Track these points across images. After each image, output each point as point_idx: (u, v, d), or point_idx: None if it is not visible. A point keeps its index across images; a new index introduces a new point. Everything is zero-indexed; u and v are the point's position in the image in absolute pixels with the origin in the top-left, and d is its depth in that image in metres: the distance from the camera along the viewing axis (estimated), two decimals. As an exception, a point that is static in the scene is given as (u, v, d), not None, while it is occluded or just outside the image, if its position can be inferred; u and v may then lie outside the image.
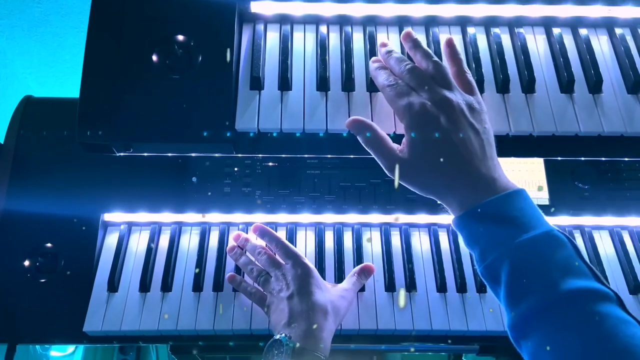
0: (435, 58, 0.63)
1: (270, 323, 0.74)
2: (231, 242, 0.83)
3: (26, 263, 0.80)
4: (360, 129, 0.61)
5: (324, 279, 0.79)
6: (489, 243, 0.54)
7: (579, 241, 0.84)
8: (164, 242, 0.84)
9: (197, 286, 0.79)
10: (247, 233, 0.84)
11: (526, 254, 0.51)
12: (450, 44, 0.66)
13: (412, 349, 0.81)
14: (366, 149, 0.61)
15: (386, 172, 0.59)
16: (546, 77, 0.71)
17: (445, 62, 0.65)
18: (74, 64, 1.38)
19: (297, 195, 0.85)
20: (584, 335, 0.46)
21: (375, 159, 0.60)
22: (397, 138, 0.60)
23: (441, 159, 0.56)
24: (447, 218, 0.85)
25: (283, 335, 0.67)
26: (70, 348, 1.25)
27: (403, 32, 0.68)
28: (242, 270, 0.80)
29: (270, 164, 0.87)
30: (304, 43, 0.73)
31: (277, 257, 0.79)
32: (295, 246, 0.82)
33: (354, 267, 0.80)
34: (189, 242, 0.84)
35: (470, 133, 0.57)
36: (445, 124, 0.57)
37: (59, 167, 0.86)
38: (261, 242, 0.82)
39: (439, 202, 0.59)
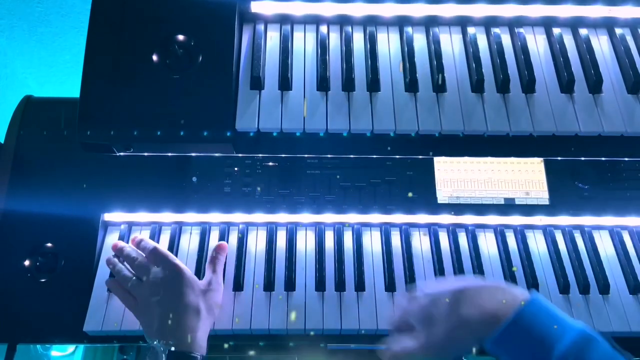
0: None
1: (143, 329, 0.72)
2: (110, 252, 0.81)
3: (26, 263, 0.80)
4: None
5: (324, 279, 0.79)
6: None
7: (579, 241, 0.84)
8: (164, 242, 0.84)
9: (197, 286, 0.79)
10: (246, 233, 0.84)
11: None
12: None
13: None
14: None
15: None
16: (546, 77, 0.71)
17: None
18: (74, 64, 1.38)
19: (297, 195, 0.85)
20: None
21: None
22: (397, 138, 0.60)
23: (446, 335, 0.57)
24: (447, 218, 0.85)
25: (156, 342, 0.67)
26: (70, 348, 1.25)
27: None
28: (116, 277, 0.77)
29: (270, 163, 0.87)
30: (304, 43, 0.73)
31: (150, 262, 0.77)
32: (295, 246, 0.82)
33: (354, 267, 0.80)
34: (189, 242, 0.84)
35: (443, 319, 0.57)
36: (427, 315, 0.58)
37: (59, 167, 0.86)
38: (140, 251, 0.79)
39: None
